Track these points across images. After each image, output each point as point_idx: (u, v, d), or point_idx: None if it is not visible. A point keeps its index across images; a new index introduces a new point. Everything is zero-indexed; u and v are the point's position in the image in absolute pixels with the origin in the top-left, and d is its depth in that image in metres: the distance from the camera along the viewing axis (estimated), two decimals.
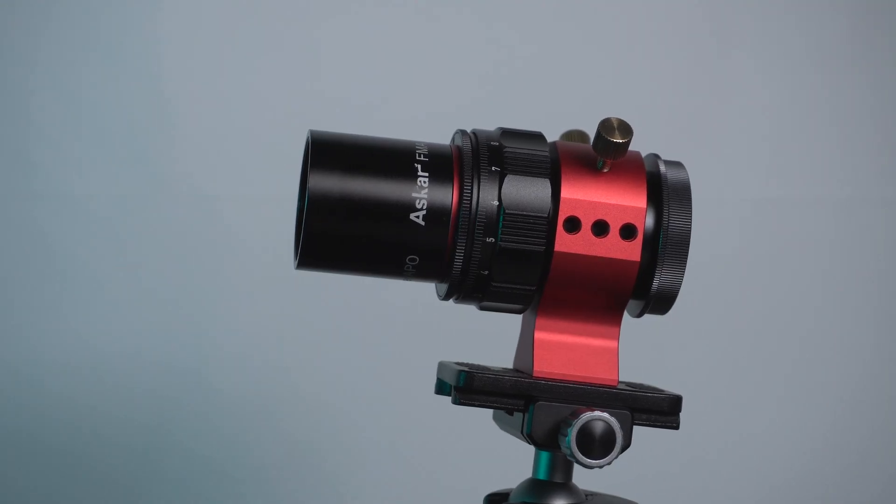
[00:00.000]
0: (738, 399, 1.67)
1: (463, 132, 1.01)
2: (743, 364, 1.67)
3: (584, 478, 1.06)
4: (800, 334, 1.67)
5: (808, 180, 1.67)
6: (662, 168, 1.02)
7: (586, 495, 1.04)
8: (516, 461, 1.10)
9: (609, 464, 0.97)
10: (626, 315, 1.04)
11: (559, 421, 0.98)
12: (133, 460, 1.54)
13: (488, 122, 1.09)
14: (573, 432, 0.96)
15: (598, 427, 0.97)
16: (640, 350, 1.54)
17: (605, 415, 0.97)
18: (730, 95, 1.66)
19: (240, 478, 1.56)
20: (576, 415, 0.97)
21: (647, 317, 1.04)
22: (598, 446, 0.97)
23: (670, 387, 1.04)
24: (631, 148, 1.02)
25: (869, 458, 1.68)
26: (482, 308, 1.02)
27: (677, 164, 1.03)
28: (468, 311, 1.09)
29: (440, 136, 1.04)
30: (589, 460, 0.97)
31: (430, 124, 1.40)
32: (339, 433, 1.58)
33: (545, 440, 0.98)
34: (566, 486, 1.02)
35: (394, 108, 1.57)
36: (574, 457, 0.96)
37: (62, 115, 1.53)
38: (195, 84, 1.56)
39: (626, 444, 0.99)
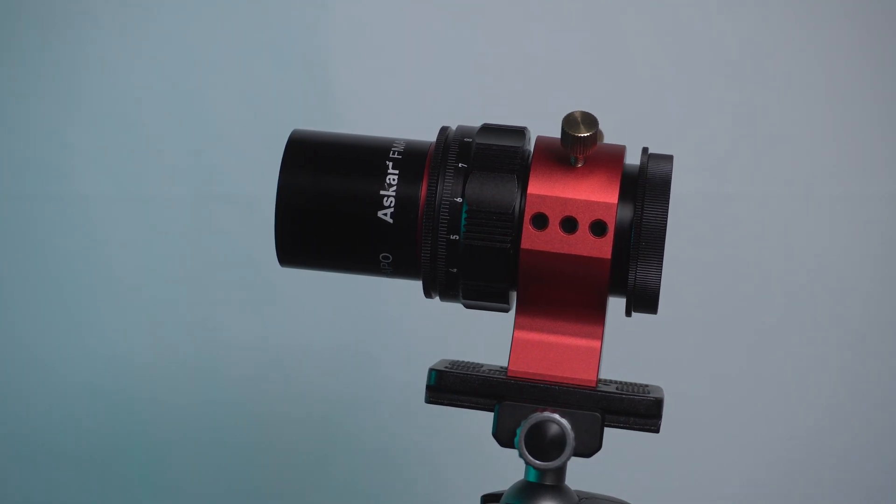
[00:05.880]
0: (736, 400, 1.59)
1: (443, 129, 1.00)
2: (747, 364, 1.59)
3: (581, 479, 1.04)
4: (802, 333, 1.59)
5: (805, 177, 1.58)
6: (644, 161, 0.98)
7: (581, 498, 1.02)
8: (518, 461, 1.08)
9: (559, 465, 0.95)
10: (621, 315, 1.01)
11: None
12: (302, 456, 1.60)
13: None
14: (521, 433, 0.95)
15: (547, 428, 0.95)
16: (649, 350, 1.52)
17: (556, 416, 0.95)
18: (729, 91, 1.58)
19: (409, 471, 1.60)
20: (526, 415, 0.95)
21: (650, 317, 1.01)
22: (548, 447, 0.95)
23: (674, 388, 1.00)
24: (625, 143, 1.00)
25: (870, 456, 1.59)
26: (466, 306, 1.01)
27: (663, 158, 0.98)
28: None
29: None
30: (537, 461, 0.95)
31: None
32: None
33: (509, 441, 0.97)
34: (557, 489, 1.00)
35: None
36: (523, 457, 0.95)
37: (233, 115, 1.61)
38: (361, 85, 1.60)
39: (594, 447, 0.96)
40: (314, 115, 1.60)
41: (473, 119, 1.06)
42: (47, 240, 1.61)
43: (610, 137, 1.04)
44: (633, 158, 1.01)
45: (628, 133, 1.10)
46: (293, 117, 1.60)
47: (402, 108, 1.59)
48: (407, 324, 1.60)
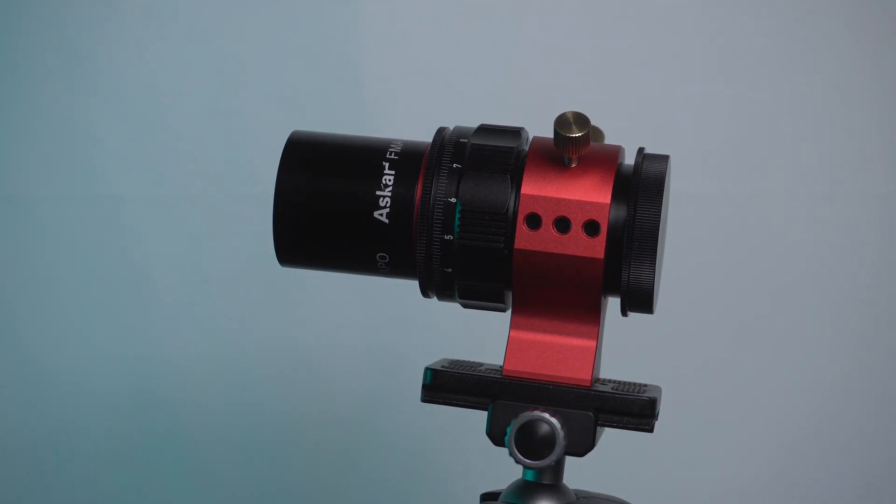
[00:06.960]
0: (734, 399, 1.59)
1: (440, 129, 1.01)
2: (748, 364, 1.59)
3: (579, 478, 1.04)
4: (801, 332, 1.59)
5: (804, 176, 1.57)
6: (639, 161, 0.98)
7: (579, 497, 1.02)
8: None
9: (550, 464, 0.95)
10: (618, 315, 1.01)
11: None
12: (330, 455, 1.61)
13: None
14: (511, 431, 0.95)
15: (537, 427, 0.95)
16: (649, 350, 1.52)
17: (545, 415, 0.95)
18: (728, 91, 1.58)
19: (437, 470, 1.60)
20: (517, 414, 0.96)
21: (650, 316, 1.01)
22: (538, 446, 0.95)
23: (673, 387, 1.00)
24: (625, 144, 1.00)
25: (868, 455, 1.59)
26: (464, 306, 1.02)
27: (659, 158, 0.98)
28: None
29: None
30: (527, 460, 0.95)
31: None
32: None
33: (503, 440, 0.97)
34: (555, 488, 1.00)
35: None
36: (513, 456, 0.95)
37: (263, 115, 1.62)
38: (394, 88, 1.61)
39: (587, 446, 0.96)
40: (344, 115, 1.61)
41: (503, 119, 1.07)
42: (76, 240, 1.62)
43: (611, 138, 1.04)
44: (632, 159, 1.01)
45: (628, 133, 1.10)
46: (323, 118, 1.61)
47: (434, 110, 1.60)
48: (437, 323, 1.60)
